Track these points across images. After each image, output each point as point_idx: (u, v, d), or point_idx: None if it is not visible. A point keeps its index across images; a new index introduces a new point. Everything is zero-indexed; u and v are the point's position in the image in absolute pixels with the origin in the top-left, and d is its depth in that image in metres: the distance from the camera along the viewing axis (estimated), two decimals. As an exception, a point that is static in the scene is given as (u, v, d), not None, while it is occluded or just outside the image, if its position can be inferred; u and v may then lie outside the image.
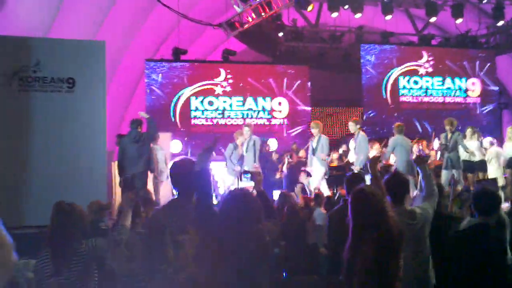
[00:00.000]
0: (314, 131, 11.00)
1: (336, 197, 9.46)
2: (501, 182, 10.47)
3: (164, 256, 3.41)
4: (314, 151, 10.78)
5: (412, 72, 16.89)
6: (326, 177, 10.75)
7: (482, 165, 11.05)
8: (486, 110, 17.39)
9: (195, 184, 3.58)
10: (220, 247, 3.39)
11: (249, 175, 9.07)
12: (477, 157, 11.04)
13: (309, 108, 16.37)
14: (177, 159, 3.86)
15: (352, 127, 10.97)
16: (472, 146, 10.98)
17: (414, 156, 8.58)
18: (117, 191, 10.53)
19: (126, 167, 9.17)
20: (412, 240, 4.07)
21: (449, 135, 10.50)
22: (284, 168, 11.58)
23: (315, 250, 7.44)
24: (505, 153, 10.95)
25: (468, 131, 11.41)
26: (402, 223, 3.95)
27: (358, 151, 10.65)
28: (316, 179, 10.58)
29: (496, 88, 17.85)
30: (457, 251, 4.51)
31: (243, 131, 10.75)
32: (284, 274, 6.75)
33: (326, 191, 10.24)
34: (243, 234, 3.37)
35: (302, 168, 11.15)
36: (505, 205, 6.91)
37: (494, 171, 10.94)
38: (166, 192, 10.34)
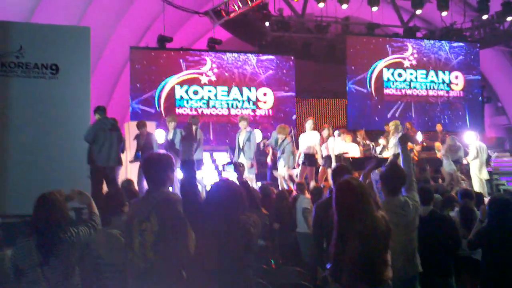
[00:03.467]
0: (241, 124, 10.43)
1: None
2: None
3: (131, 245, 3.43)
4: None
5: (397, 65, 16.95)
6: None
7: None
8: (469, 103, 17.54)
9: (163, 174, 3.56)
10: (205, 236, 3.40)
11: (232, 166, 9.06)
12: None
13: (294, 99, 16.36)
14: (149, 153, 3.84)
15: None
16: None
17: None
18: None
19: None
20: (404, 230, 4.17)
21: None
22: (268, 160, 11.54)
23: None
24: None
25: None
26: (396, 214, 4.01)
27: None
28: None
29: (479, 82, 18.01)
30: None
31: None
32: (272, 262, 6.81)
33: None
34: (228, 224, 3.39)
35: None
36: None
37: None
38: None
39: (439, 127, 14.24)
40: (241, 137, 10.37)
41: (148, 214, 3.41)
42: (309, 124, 10.77)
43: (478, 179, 10.81)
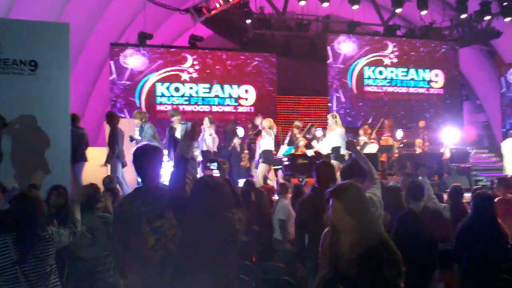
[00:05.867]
0: (176, 118, 10.32)
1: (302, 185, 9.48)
2: None
3: (143, 243, 3.38)
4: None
5: (377, 63, 17.07)
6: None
7: None
8: (448, 101, 17.72)
9: (157, 170, 3.57)
10: (190, 232, 3.39)
11: (216, 164, 9.06)
12: None
13: (275, 96, 16.38)
14: (139, 145, 3.80)
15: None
16: None
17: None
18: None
19: None
20: None
21: None
22: (257, 156, 11.52)
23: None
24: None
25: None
26: None
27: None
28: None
29: (458, 79, 18.21)
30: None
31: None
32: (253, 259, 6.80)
33: None
34: (213, 221, 3.38)
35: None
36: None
37: None
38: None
39: (422, 124, 14.24)
40: (178, 132, 9.95)
41: (161, 212, 3.40)
42: (206, 121, 10.95)
43: None
